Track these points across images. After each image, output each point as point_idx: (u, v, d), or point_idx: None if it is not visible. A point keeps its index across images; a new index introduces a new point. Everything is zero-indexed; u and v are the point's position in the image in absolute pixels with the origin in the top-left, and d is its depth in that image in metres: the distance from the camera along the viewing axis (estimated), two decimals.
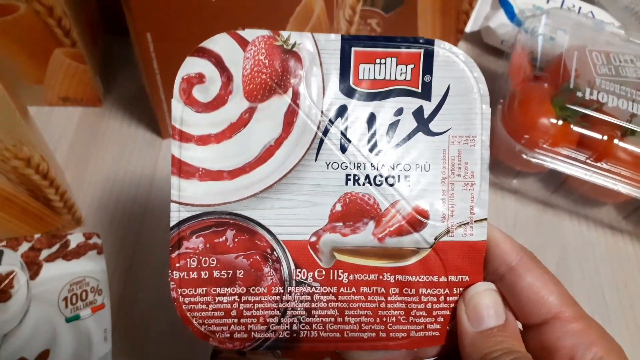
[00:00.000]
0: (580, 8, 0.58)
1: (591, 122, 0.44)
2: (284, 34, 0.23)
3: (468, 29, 0.57)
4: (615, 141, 0.43)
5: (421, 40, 0.23)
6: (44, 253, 0.37)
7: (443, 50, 0.24)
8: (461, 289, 0.23)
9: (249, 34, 0.23)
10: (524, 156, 0.44)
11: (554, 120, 0.44)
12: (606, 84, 0.45)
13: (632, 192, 0.43)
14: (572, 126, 0.44)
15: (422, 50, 0.23)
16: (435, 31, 0.55)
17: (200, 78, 0.23)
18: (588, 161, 0.44)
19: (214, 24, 0.38)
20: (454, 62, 0.23)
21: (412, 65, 0.23)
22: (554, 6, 0.57)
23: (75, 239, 0.38)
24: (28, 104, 0.46)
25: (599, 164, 0.44)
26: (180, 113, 0.23)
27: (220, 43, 0.23)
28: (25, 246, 0.37)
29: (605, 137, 0.43)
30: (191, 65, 0.23)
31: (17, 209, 0.37)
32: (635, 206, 0.46)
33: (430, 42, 0.23)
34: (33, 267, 0.37)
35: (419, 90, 0.23)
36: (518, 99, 0.46)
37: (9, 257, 0.37)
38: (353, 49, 0.23)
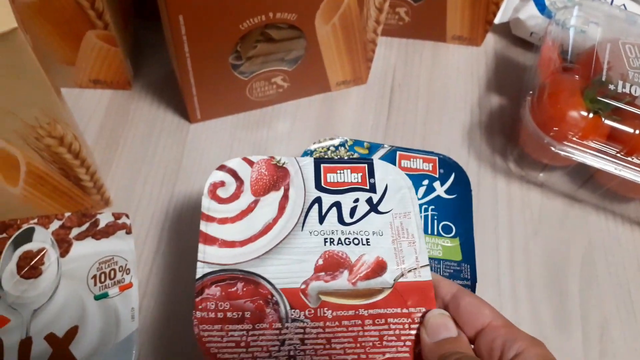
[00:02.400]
0: (612, 0, 0.56)
1: (623, 115, 0.43)
2: (277, 157, 0.37)
3: (497, 20, 0.56)
4: None
5: (367, 160, 0.37)
6: (74, 231, 0.38)
7: (379, 164, 0.37)
8: (421, 317, 0.31)
9: (254, 158, 0.37)
10: (553, 149, 0.43)
11: (584, 113, 0.43)
12: (639, 77, 0.42)
13: None
14: (603, 119, 0.43)
15: (366, 165, 0.37)
16: (463, 22, 0.53)
17: (222, 183, 0.35)
18: (618, 155, 0.43)
19: (245, 7, 0.39)
20: (389, 171, 0.37)
21: (361, 173, 0.37)
22: None
23: (104, 218, 0.39)
24: (60, 86, 0.48)
25: (629, 159, 0.43)
26: (208, 204, 0.34)
27: (235, 162, 0.36)
28: (56, 224, 0.38)
29: (637, 131, 0.42)
30: (216, 176, 0.35)
31: (49, 188, 0.37)
32: None
33: (371, 161, 0.37)
34: (63, 244, 0.37)
35: (368, 187, 0.36)
36: (548, 91, 0.44)
37: (40, 234, 0.37)
38: (322, 165, 0.37)
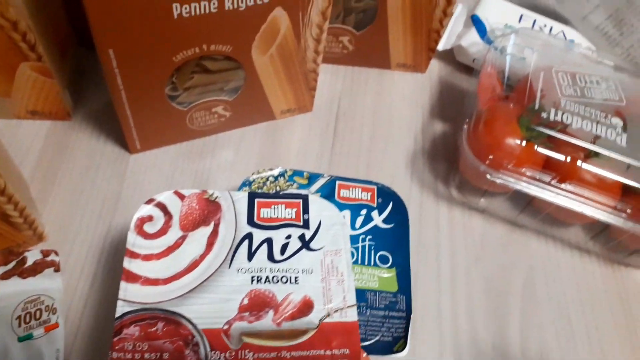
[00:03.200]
0: (551, 28, 0.58)
1: (556, 143, 0.43)
2: (210, 191, 0.37)
3: (440, 47, 0.57)
4: (579, 163, 0.43)
5: (301, 194, 0.38)
6: (0, 270, 0.37)
7: (314, 199, 0.38)
8: None
9: (186, 192, 0.37)
10: (489, 177, 0.44)
11: (518, 141, 0.43)
12: (571, 105, 0.44)
13: (596, 214, 0.43)
14: (536, 147, 0.43)
15: (301, 200, 0.37)
16: (406, 49, 0.54)
17: (150, 218, 0.35)
18: (552, 182, 0.43)
19: (177, 40, 0.39)
20: (323, 206, 0.37)
21: (296, 209, 0.37)
22: (525, 26, 0.57)
23: (32, 255, 0.38)
24: None
25: (563, 185, 0.43)
26: (133, 240, 0.34)
27: (166, 196, 0.36)
28: None
29: (569, 159, 0.43)
30: (143, 210, 0.35)
31: None
32: (601, 227, 0.45)
33: (306, 197, 0.38)
34: None
35: (301, 223, 0.36)
36: (484, 119, 0.45)
37: None
38: (256, 199, 0.37)
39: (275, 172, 0.43)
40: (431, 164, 0.51)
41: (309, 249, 0.35)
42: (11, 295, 0.36)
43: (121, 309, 0.31)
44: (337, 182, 0.44)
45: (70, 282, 0.40)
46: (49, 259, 0.38)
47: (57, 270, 0.38)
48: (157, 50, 0.39)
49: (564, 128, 0.43)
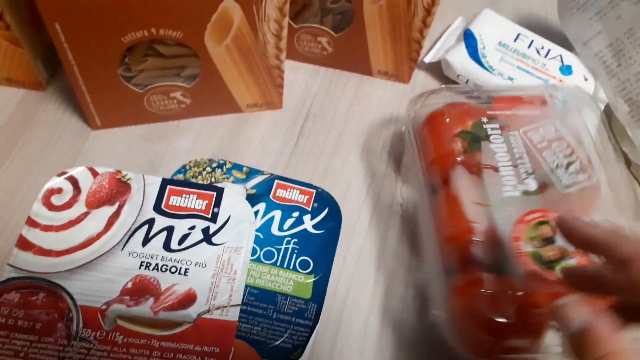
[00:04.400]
0: (549, 50, 0.55)
1: None
2: (124, 172, 0.38)
3: (428, 59, 0.56)
4: None
5: (217, 187, 0.38)
6: None
7: (230, 193, 0.38)
8: (212, 359, 0.31)
9: (101, 169, 0.38)
10: None
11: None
12: None
13: None
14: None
15: (215, 193, 0.37)
16: (387, 57, 0.53)
17: (59, 190, 0.36)
18: None
19: (126, 23, 0.39)
20: (236, 202, 0.37)
21: (207, 201, 0.37)
22: (521, 45, 0.55)
23: None
24: None
25: None
26: (37, 209, 0.35)
27: (79, 171, 0.38)
28: None
29: None
30: (55, 181, 0.37)
31: None
32: None
33: (221, 190, 0.38)
34: None
35: (209, 216, 0.37)
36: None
37: None
38: (168, 186, 0.37)
39: (214, 163, 0.43)
40: (391, 180, 0.50)
41: (210, 243, 0.34)
42: None
43: (7, 274, 0.32)
44: (276, 181, 0.43)
45: (2, 242, 0.41)
46: None
47: None
48: (105, 29, 0.40)
49: None
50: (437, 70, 0.57)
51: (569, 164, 0.39)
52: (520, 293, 0.32)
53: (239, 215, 0.35)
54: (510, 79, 0.53)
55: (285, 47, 0.46)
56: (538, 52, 0.55)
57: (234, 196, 0.36)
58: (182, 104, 0.48)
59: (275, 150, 0.50)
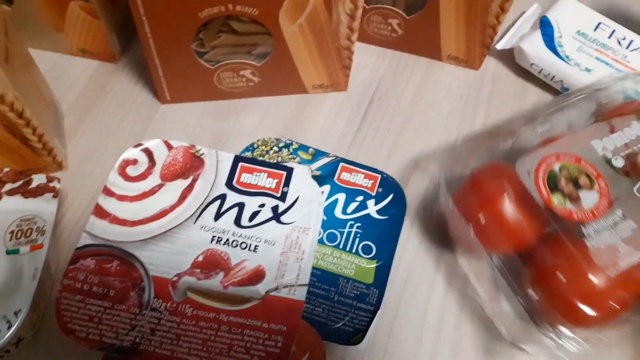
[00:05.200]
0: (631, 41, 0.52)
1: None
2: (197, 147, 0.38)
3: (500, 45, 0.54)
4: None
5: (287, 167, 0.38)
6: (7, 186, 0.40)
7: (299, 173, 0.38)
8: (279, 337, 0.31)
9: (175, 143, 0.38)
10: None
11: None
12: None
13: None
14: None
15: (285, 172, 0.38)
16: (459, 42, 0.51)
17: (134, 162, 0.37)
18: None
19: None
20: (305, 182, 0.38)
21: (277, 180, 0.37)
22: (601, 34, 0.52)
23: (38, 179, 0.40)
24: (53, 50, 0.51)
25: None
26: (113, 179, 0.36)
27: (155, 143, 0.38)
28: None
29: None
30: (130, 152, 0.38)
31: None
32: None
33: (291, 170, 0.38)
34: None
35: (279, 195, 0.37)
36: None
37: None
38: (240, 163, 0.38)
39: (281, 143, 0.43)
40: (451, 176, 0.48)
41: (279, 222, 0.35)
42: (10, 211, 0.39)
43: (84, 240, 0.33)
44: (341, 164, 0.43)
45: (73, 210, 0.43)
46: (51, 184, 0.40)
47: (55, 196, 0.40)
48: (183, 4, 0.40)
49: None
50: (509, 57, 0.55)
51: None
52: None
53: (308, 196, 0.36)
54: (588, 70, 0.51)
55: (357, 28, 0.45)
56: (619, 42, 0.52)
57: (303, 176, 0.36)
58: (251, 82, 0.48)
59: (339, 133, 0.50)
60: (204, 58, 0.45)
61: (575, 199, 0.37)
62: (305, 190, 0.36)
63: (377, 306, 0.38)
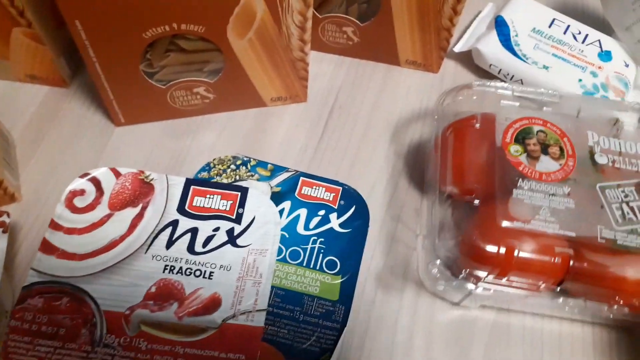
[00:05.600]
0: (587, 35, 0.53)
1: None
2: (147, 173, 0.37)
3: (458, 48, 0.54)
4: None
5: (241, 187, 0.37)
6: None
7: (254, 194, 0.37)
8: None
9: (123, 170, 0.37)
10: None
11: None
12: None
13: None
14: None
15: (239, 193, 0.37)
16: (415, 46, 0.51)
17: (82, 192, 0.36)
18: None
19: (146, 17, 0.38)
20: (261, 202, 0.36)
21: (232, 201, 0.36)
22: (556, 31, 0.52)
23: None
24: (0, 78, 0.50)
25: None
26: (60, 212, 0.35)
27: (102, 172, 0.37)
28: None
29: None
30: (77, 183, 0.36)
31: None
32: None
33: (245, 190, 0.37)
34: None
35: (234, 217, 0.36)
36: None
37: None
38: (192, 187, 0.36)
39: (238, 160, 0.42)
40: (419, 175, 0.48)
41: (235, 245, 0.33)
42: None
43: (30, 278, 0.31)
44: (301, 178, 0.42)
45: (28, 243, 0.42)
46: (0, 219, 0.39)
47: (5, 231, 0.38)
48: (125, 26, 0.39)
49: None
50: (468, 59, 0.55)
51: None
52: None
53: (264, 216, 0.34)
54: (546, 67, 0.51)
55: (309, 39, 0.44)
56: (575, 37, 0.52)
57: (259, 196, 0.35)
58: (206, 99, 0.47)
59: (300, 145, 0.49)
60: (155, 78, 0.44)
61: (534, 158, 0.38)
62: (262, 210, 0.35)
63: (344, 323, 0.37)
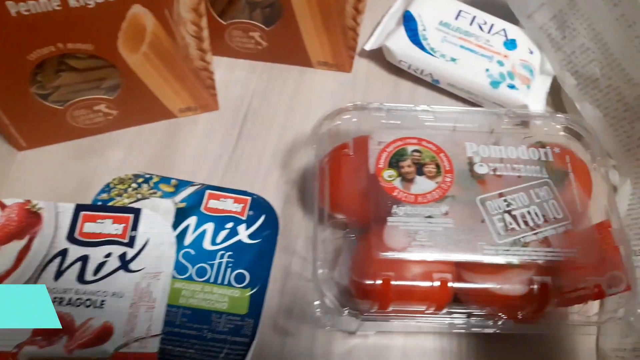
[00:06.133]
0: (492, 25, 0.53)
1: None
2: (34, 202, 0.36)
3: (368, 46, 0.53)
4: None
5: (134, 209, 0.36)
6: None
7: (147, 215, 0.35)
8: None
9: (9, 201, 0.36)
10: None
11: None
12: None
13: None
14: None
15: (132, 215, 0.36)
16: (324, 47, 0.50)
17: None
18: None
19: (28, 40, 0.37)
20: (155, 223, 0.36)
21: (124, 225, 0.35)
22: (463, 22, 0.53)
23: None
24: None
25: None
26: None
27: None
28: None
29: None
30: None
31: None
32: None
33: (138, 211, 0.36)
34: None
35: (127, 241, 0.35)
36: None
37: None
38: (82, 212, 0.35)
39: (140, 178, 0.41)
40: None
41: (127, 270, 0.33)
42: None
43: None
44: (207, 192, 0.41)
45: None
46: None
47: None
48: (7, 49, 0.37)
49: None
50: (381, 56, 0.55)
51: None
52: None
53: (158, 237, 0.34)
54: (453, 59, 0.51)
55: (208, 48, 0.43)
56: (481, 28, 0.53)
57: (153, 217, 0.34)
58: (109, 115, 0.46)
59: (214, 156, 0.48)
60: (50, 99, 0.43)
61: (408, 181, 0.37)
62: (156, 231, 0.34)
63: (253, 336, 0.36)
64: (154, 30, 0.40)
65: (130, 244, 0.33)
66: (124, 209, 0.35)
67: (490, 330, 0.38)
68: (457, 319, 0.36)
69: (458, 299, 0.37)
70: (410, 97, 0.54)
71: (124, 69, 0.42)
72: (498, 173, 0.38)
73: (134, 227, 0.34)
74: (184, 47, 0.42)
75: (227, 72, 0.53)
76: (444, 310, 0.36)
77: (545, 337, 0.41)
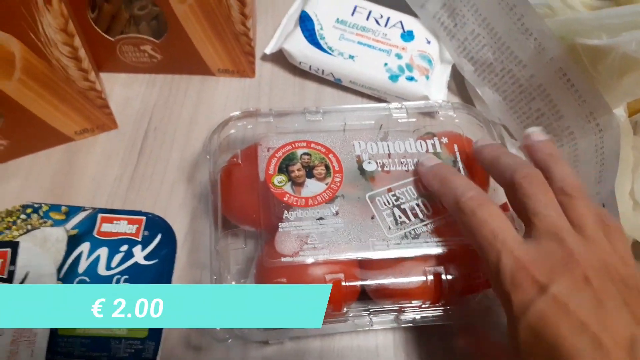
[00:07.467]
0: (389, 18, 0.53)
1: None
2: None
3: (269, 49, 0.53)
4: None
5: (11, 242, 0.35)
6: None
7: (27, 248, 0.35)
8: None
9: None
10: None
11: None
12: None
13: None
14: None
15: (9, 249, 0.35)
16: (220, 55, 0.50)
17: None
18: None
19: None
20: (34, 256, 0.35)
21: (2, 260, 0.34)
22: (359, 18, 0.53)
23: None
24: None
25: None
26: None
27: None
28: None
29: None
30: None
31: None
32: None
33: (15, 244, 0.35)
34: None
35: (5, 276, 0.34)
36: None
37: None
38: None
39: (28, 208, 0.39)
40: None
41: None
42: None
43: None
44: (100, 215, 0.40)
45: None
46: None
47: None
48: None
49: None
50: (284, 59, 0.54)
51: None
52: None
53: (39, 269, 0.33)
54: (352, 57, 0.51)
55: (89, 68, 0.42)
56: (377, 22, 0.53)
57: (32, 249, 0.33)
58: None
59: (114, 177, 0.47)
60: None
61: (299, 184, 0.37)
62: (36, 263, 0.33)
63: (154, 358, 0.35)
64: (24, 56, 0.38)
65: (9, 279, 0.32)
66: (1, 244, 0.33)
67: (395, 325, 0.38)
68: (359, 317, 0.36)
69: (368, 296, 0.38)
70: (317, 98, 0.53)
71: (2, 98, 0.40)
72: (386, 169, 0.38)
73: (12, 261, 0.33)
74: (62, 68, 0.41)
75: (125, 88, 0.52)
76: (344, 309, 0.36)
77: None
